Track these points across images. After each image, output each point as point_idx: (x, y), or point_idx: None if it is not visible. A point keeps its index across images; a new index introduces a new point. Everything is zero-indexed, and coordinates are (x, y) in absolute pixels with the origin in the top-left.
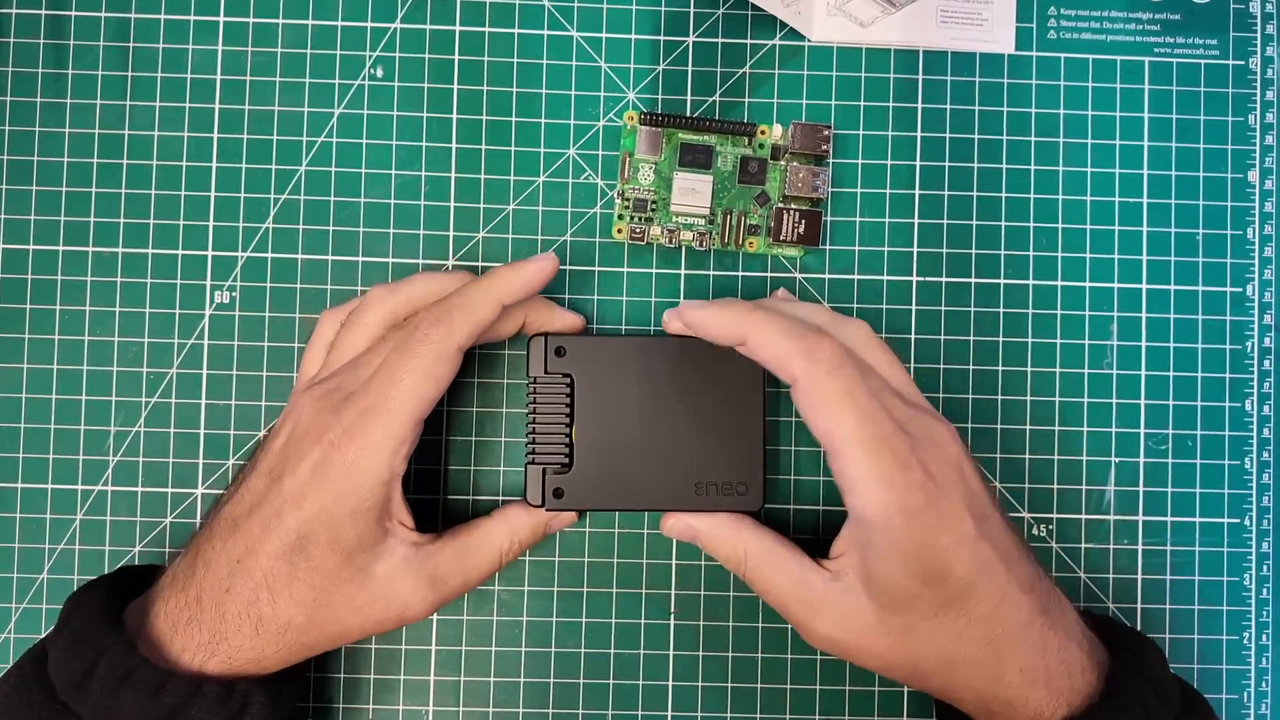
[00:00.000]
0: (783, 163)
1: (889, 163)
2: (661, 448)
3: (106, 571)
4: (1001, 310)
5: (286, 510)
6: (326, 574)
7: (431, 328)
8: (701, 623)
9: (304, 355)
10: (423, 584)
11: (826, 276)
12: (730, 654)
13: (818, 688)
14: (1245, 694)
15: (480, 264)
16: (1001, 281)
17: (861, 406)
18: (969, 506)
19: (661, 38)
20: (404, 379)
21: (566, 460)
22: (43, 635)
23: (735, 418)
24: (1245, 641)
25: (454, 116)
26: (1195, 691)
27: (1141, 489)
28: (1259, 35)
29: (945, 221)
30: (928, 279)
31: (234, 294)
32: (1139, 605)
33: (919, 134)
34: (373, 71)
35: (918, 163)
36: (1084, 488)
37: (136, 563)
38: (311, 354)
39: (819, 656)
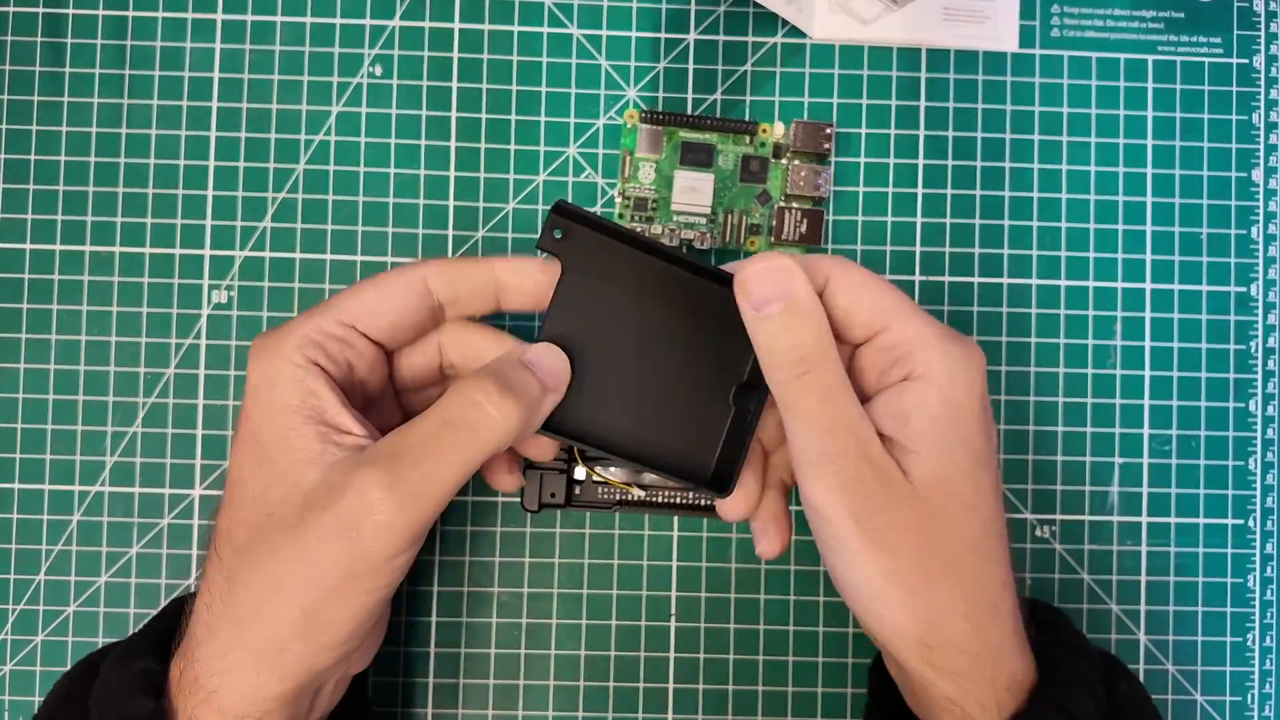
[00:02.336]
0: (784, 161)
1: (891, 161)
2: (641, 385)
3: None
4: (1005, 310)
5: (231, 452)
6: (257, 498)
7: (411, 261)
8: (702, 625)
9: None
10: (374, 472)
11: None
12: (731, 656)
13: (819, 690)
14: (1249, 696)
15: None
16: (1005, 281)
17: (898, 288)
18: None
19: (662, 35)
20: (349, 290)
21: (564, 466)
22: (40, 636)
23: (721, 390)
24: (1249, 643)
25: (453, 115)
26: (1113, 657)
27: (1145, 490)
28: (1263, 33)
29: (948, 220)
30: (930, 278)
31: (232, 293)
32: (1142, 607)
33: (921, 132)
34: (371, 69)
35: (920, 161)
36: (1088, 489)
37: (134, 563)
38: None
39: (820, 659)
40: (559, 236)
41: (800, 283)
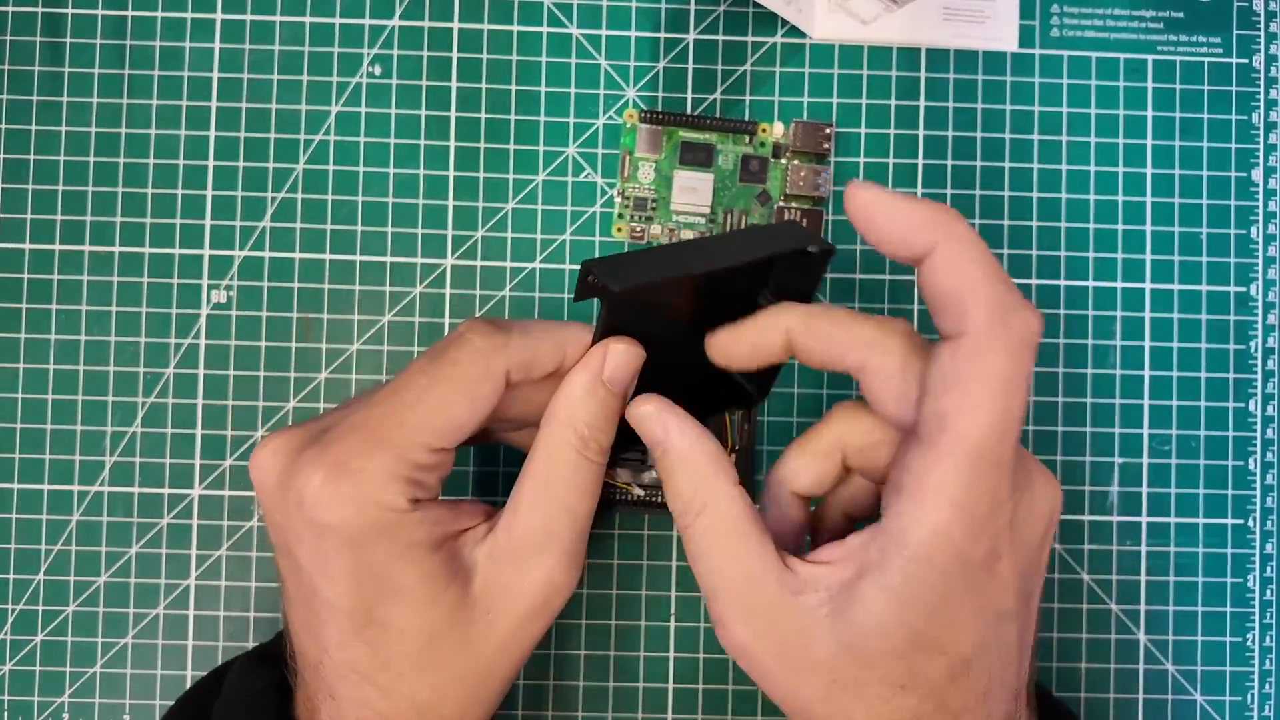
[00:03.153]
0: (784, 161)
1: (891, 161)
2: (683, 371)
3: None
4: None
5: (320, 587)
6: (415, 632)
7: (478, 336)
8: (702, 625)
9: None
10: (532, 558)
11: (828, 276)
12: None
13: None
14: (1249, 696)
15: (479, 263)
16: None
17: (1007, 417)
18: (1018, 586)
19: (662, 35)
20: (424, 391)
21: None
22: (39, 636)
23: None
24: (1249, 643)
25: (452, 114)
26: None
27: (1145, 490)
28: (1263, 33)
29: None
30: None
31: (231, 293)
32: (1142, 607)
33: (921, 132)
34: (370, 69)
35: (920, 161)
36: (1087, 489)
37: (133, 563)
38: None
39: None
40: (591, 280)
41: (673, 427)
